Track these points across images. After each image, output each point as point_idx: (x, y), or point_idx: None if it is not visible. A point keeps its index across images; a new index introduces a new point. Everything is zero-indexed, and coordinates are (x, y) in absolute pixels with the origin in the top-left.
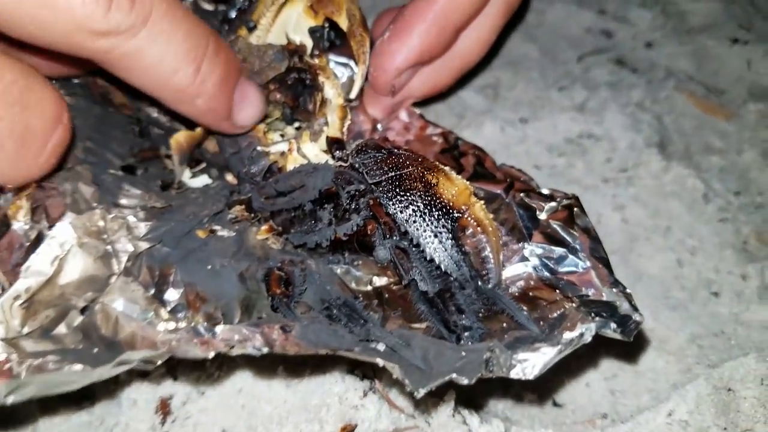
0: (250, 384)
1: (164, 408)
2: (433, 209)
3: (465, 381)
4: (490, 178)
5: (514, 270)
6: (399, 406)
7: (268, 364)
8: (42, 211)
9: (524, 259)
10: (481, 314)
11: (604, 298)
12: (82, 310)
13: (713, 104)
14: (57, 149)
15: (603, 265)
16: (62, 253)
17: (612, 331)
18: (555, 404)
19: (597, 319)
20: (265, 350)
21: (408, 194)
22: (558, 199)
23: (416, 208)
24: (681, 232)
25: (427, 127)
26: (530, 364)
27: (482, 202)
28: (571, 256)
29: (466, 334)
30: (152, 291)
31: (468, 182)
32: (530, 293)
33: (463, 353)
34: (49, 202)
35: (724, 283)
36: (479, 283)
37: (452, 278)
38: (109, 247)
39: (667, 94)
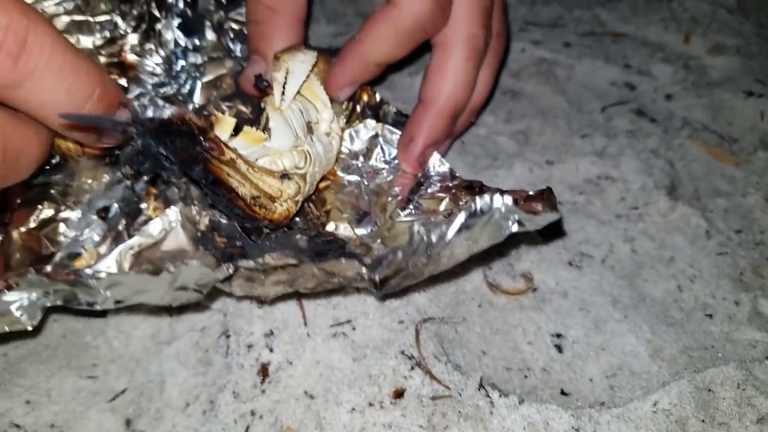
0: (326, 357)
1: (264, 372)
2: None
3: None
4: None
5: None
6: (438, 379)
7: (339, 345)
8: (164, 199)
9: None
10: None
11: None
12: (170, 271)
13: (724, 152)
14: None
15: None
16: (169, 228)
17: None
18: (562, 393)
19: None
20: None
21: None
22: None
23: None
24: (683, 263)
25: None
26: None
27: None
28: None
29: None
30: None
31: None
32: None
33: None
34: (169, 192)
35: (719, 307)
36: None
37: None
38: (199, 234)
39: (680, 142)
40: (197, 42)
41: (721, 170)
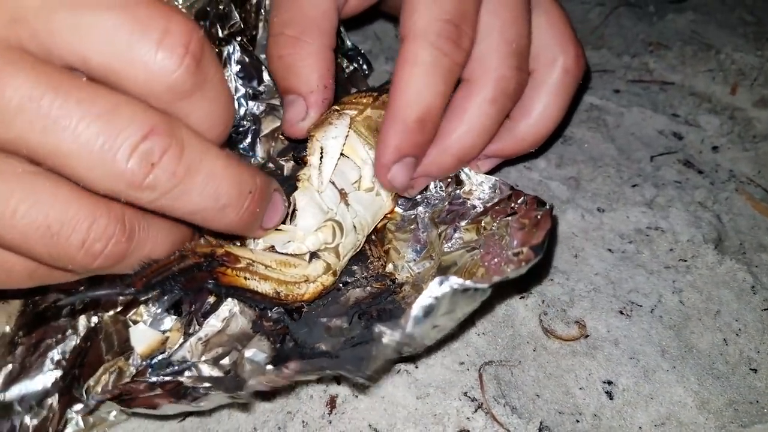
0: (390, 393)
1: (332, 403)
2: None
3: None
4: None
5: None
6: (500, 423)
7: (403, 382)
8: None
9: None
10: None
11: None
12: (237, 349)
13: None
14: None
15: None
16: (229, 315)
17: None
18: None
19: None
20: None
21: None
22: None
23: None
24: (729, 317)
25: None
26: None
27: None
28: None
29: None
30: (277, 345)
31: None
32: None
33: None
34: None
35: (763, 362)
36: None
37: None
38: (255, 316)
39: (727, 196)
40: (255, 85)
41: (766, 225)
